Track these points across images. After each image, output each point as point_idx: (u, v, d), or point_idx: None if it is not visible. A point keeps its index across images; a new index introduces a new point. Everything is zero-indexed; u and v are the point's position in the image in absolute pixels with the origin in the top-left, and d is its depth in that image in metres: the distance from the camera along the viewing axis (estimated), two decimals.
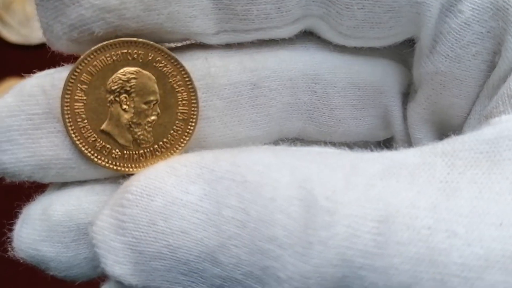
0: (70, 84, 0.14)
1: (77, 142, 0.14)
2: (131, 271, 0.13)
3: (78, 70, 0.14)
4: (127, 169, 0.15)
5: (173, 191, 0.12)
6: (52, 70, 0.15)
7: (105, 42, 0.14)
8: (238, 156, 0.13)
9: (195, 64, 0.15)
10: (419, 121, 0.17)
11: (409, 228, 0.11)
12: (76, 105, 0.14)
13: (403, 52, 0.17)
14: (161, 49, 0.14)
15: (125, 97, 0.14)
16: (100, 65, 0.14)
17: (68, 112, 0.14)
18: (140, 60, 0.14)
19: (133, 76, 0.14)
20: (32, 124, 0.15)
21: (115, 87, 0.14)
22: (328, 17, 0.15)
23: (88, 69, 0.14)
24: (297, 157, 0.13)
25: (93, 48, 0.14)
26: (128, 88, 0.14)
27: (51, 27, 0.14)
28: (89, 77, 0.14)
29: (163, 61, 0.14)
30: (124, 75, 0.14)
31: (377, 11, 0.15)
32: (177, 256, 0.12)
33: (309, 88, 0.16)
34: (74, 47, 0.15)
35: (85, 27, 0.14)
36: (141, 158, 0.15)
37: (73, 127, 0.14)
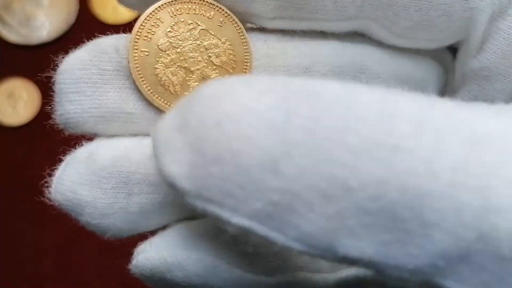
0: (137, 37, 0.15)
1: (147, 90, 0.15)
2: (187, 173, 0.11)
3: (143, 24, 0.15)
4: None
5: (243, 98, 0.11)
6: (125, 34, 0.16)
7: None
8: (313, 80, 0.12)
9: (256, 45, 0.16)
10: None
11: (504, 151, 0.11)
12: (141, 57, 0.15)
13: (442, 54, 0.18)
14: (228, 14, 0.16)
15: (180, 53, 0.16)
16: (164, 18, 0.16)
17: (137, 63, 0.15)
18: (203, 16, 0.16)
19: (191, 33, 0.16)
20: (101, 78, 0.15)
21: (177, 41, 0.16)
22: (383, 19, 0.16)
23: (152, 22, 0.15)
24: (374, 88, 0.12)
25: (158, 3, 0.15)
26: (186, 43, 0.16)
27: None
28: (154, 30, 0.15)
29: (228, 25, 0.16)
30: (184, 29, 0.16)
31: (432, 14, 0.15)
32: (237, 162, 0.11)
33: (354, 76, 0.17)
34: (140, 6, 0.16)
35: None
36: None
37: (142, 77, 0.15)
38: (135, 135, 0.16)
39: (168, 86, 0.16)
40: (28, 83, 0.52)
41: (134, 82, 0.15)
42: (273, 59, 0.16)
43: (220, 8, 0.16)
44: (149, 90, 0.15)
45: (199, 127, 0.11)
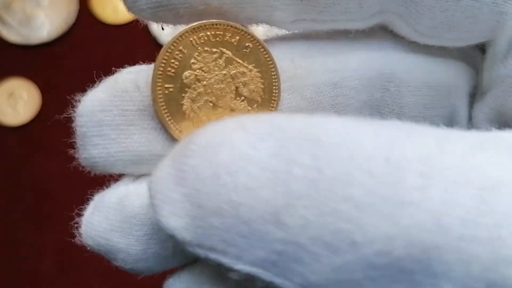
0: (159, 73, 0.14)
1: (175, 130, 0.14)
2: (187, 225, 0.11)
3: (165, 58, 0.14)
4: None
5: (241, 146, 0.11)
6: (144, 66, 0.15)
7: (191, 25, 0.14)
8: (313, 118, 0.11)
9: (282, 66, 0.15)
10: (485, 121, 0.17)
11: None
12: (166, 94, 0.14)
13: (472, 54, 0.17)
14: (254, 37, 0.15)
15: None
16: (187, 48, 0.14)
17: (162, 101, 0.14)
18: (233, 43, 0.15)
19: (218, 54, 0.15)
20: (125, 120, 0.14)
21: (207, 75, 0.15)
22: (407, 16, 0.15)
23: (175, 55, 0.14)
24: (380, 124, 0.11)
25: (180, 33, 0.14)
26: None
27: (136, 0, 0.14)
28: (177, 63, 0.14)
29: (254, 49, 0.15)
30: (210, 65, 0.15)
31: (458, 16, 0.15)
32: (238, 214, 0.11)
33: (383, 86, 0.16)
34: (152, 19, 0.15)
35: (171, 7, 0.14)
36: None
37: (168, 115, 0.14)
38: None
39: (197, 123, 0.15)
40: (28, 83, 0.52)
41: (160, 122, 0.14)
42: (301, 79, 0.16)
43: (245, 32, 0.15)
44: (177, 129, 0.14)
45: (196, 179, 0.11)
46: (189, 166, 0.11)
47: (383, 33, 0.17)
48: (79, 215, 0.16)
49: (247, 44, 0.15)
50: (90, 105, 0.15)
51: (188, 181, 0.11)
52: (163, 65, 0.14)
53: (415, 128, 0.11)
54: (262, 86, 0.15)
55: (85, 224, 0.15)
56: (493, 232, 0.10)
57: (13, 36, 0.52)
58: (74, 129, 0.15)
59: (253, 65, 0.15)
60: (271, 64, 0.15)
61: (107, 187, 0.16)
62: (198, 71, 0.14)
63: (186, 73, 0.14)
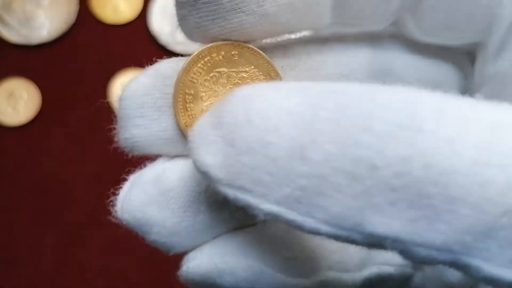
0: (188, 69, 0.16)
1: (182, 121, 0.16)
2: (220, 163, 0.13)
3: (195, 59, 0.16)
4: None
5: (273, 98, 0.12)
6: (183, 58, 0.17)
7: (183, 66, 0.16)
8: (341, 82, 0.13)
9: (301, 58, 0.17)
10: None
11: None
12: (187, 89, 0.16)
13: (462, 60, 0.19)
14: (268, 61, 0.16)
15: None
16: (191, 88, 0.16)
17: (181, 93, 0.16)
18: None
19: (246, 72, 0.16)
20: (166, 102, 0.16)
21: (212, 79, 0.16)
22: (414, 15, 0.17)
23: (204, 60, 0.16)
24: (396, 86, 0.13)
25: (212, 44, 0.16)
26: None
27: (205, 27, 0.15)
28: (203, 67, 0.16)
29: (241, 53, 0.16)
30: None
31: (457, 15, 0.16)
32: (267, 152, 0.12)
33: (382, 80, 0.18)
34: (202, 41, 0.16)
35: (244, 31, 0.15)
36: None
37: (181, 107, 0.16)
38: None
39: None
40: (28, 83, 0.52)
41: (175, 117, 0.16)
42: (317, 70, 0.17)
43: (226, 44, 0.16)
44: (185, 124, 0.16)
45: (232, 123, 0.13)
46: (226, 112, 0.13)
47: (385, 37, 0.18)
48: (114, 194, 0.17)
49: (232, 53, 0.16)
50: (134, 90, 0.16)
51: (224, 125, 0.13)
52: (189, 67, 0.16)
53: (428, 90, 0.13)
54: (264, 78, 0.16)
55: (121, 200, 0.16)
56: (505, 160, 0.11)
57: (13, 36, 0.52)
58: (116, 113, 0.16)
59: (247, 65, 0.16)
60: (262, 61, 0.16)
61: (112, 185, 0.17)
62: (209, 100, 0.16)
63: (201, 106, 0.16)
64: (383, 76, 0.18)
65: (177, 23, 0.16)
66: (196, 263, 0.16)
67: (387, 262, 0.20)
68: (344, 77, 0.18)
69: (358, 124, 0.11)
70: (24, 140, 0.52)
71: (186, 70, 0.16)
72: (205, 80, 0.16)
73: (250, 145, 0.12)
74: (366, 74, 0.18)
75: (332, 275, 0.18)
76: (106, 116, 0.48)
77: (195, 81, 0.16)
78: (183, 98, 0.16)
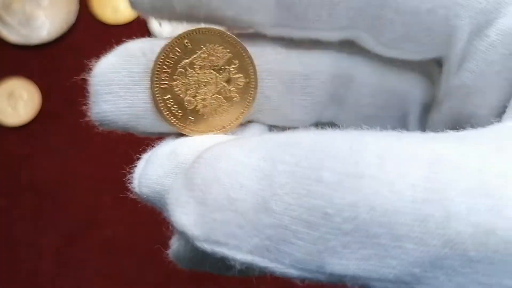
0: (163, 55, 0.17)
1: (157, 99, 0.17)
2: (194, 221, 0.14)
3: (169, 48, 0.17)
4: (187, 130, 0.18)
5: (237, 156, 0.14)
6: (152, 38, 0.18)
7: (200, 27, 0.17)
8: (296, 132, 0.14)
9: (266, 49, 0.18)
10: (442, 127, 0.19)
11: (459, 167, 0.12)
12: (163, 70, 0.17)
13: (430, 69, 0.19)
14: (220, 31, 0.17)
15: (193, 70, 0.17)
16: (187, 43, 0.17)
17: (157, 75, 0.17)
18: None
19: (204, 52, 0.17)
20: (132, 80, 0.17)
21: (188, 60, 0.17)
22: (372, 29, 0.17)
23: (178, 46, 0.17)
24: (343, 132, 0.14)
25: (187, 30, 0.17)
26: (199, 63, 0.17)
27: None
28: (177, 53, 0.17)
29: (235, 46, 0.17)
30: (200, 51, 0.17)
31: (416, 29, 0.17)
32: (235, 208, 0.13)
33: (345, 85, 0.19)
34: (153, 15, 0.17)
35: (168, 2, 0.16)
36: (201, 122, 0.18)
37: (156, 87, 0.17)
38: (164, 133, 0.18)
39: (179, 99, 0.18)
40: (28, 83, 0.52)
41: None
42: (280, 64, 0.18)
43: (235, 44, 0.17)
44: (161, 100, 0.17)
45: (202, 183, 0.14)
46: (196, 174, 0.14)
47: (351, 47, 0.19)
48: (130, 172, 0.18)
49: (184, 42, 0.17)
50: (103, 68, 0.17)
51: (195, 186, 0.14)
52: (165, 53, 0.17)
53: (374, 131, 0.14)
54: (223, 49, 0.17)
55: (139, 175, 0.17)
56: (441, 194, 0.12)
57: (13, 36, 0.52)
58: (88, 89, 0.17)
59: (202, 45, 0.17)
60: (215, 35, 0.17)
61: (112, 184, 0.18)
62: (187, 95, 0.17)
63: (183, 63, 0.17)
64: (347, 82, 0.19)
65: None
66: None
67: None
68: (304, 77, 0.18)
69: (311, 176, 0.13)
70: (24, 140, 0.52)
71: (155, 80, 0.17)
72: (174, 79, 0.17)
73: (220, 203, 0.13)
74: (327, 78, 0.19)
75: None
76: None
77: (167, 86, 0.17)
78: (164, 104, 0.17)
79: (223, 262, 0.16)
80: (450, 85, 0.18)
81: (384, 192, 0.12)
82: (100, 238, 0.50)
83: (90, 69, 0.17)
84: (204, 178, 0.14)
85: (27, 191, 0.51)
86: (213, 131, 0.18)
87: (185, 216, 0.14)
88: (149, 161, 0.17)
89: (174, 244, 0.18)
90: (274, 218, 0.13)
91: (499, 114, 0.17)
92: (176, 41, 0.17)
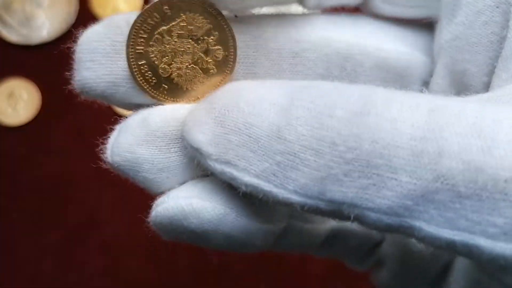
0: (148, 11, 0.17)
1: (132, 63, 0.17)
2: (210, 140, 0.15)
3: (147, 13, 0.17)
4: (160, 98, 0.18)
5: (258, 91, 0.15)
6: (136, 12, 0.18)
7: None
8: (314, 81, 0.15)
9: (250, 27, 0.18)
10: (439, 93, 0.19)
11: (457, 114, 0.13)
12: (140, 35, 0.17)
13: (428, 45, 0.20)
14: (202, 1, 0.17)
15: (170, 37, 0.17)
16: (164, 11, 0.17)
17: (133, 39, 0.17)
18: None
19: (183, 20, 0.17)
20: (113, 49, 0.17)
21: (166, 27, 0.17)
22: None
23: (157, 11, 0.17)
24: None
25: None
26: (177, 31, 0.17)
27: None
28: (155, 19, 0.17)
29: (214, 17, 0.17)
30: (178, 18, 0.17)
31: None
32: (250, 132, 0.14)
33: (340, 64, 0.19)
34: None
35: None
36: (175, 91, 0.18)
37: (132, 51, 0.17)
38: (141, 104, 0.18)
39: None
40: (28, 83, 0.52)
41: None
42: (267, 41, 0.18)
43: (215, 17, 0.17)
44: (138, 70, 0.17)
45: (222, 108, 0.15)
46: (218, 99, 0.15)
47: (349, 21, 0.20)
48: (103, 143, 0.18)
49: (164, 8, 0.17)
50: (89, 36, 0.17)
51: (216, 109, 0.15)
52: (142, 18, 0.17)
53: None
54: (203, 19, 0.17)
55: (111, 145, 0.17)
56: (437, 134, 0.13)
57: (13, 36, 0.52)
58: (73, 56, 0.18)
59: (182, 13, 0.17)
60: (196, 4, 0.17)
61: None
62: (162, 62, 0.17)
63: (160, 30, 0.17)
64: (342, 60, 0.19)
65: None
66: (164, 207, 0.17)
67: None
68: (294, 55, 0.19)
69: (324, 112, 0.14)
70: (24, 140, 0.52)
71: (130, 44, 0.17)
72: (150, 45, 0.17)
73: (237, 126, 0.15)
74: (320, 56, 0.19)
75: (295, 223, 0.20)
76: (106, 116, 0.48)
77: (142, 51, 0.17)
78: (139, 69, 0.17)
79: (202, 233, 0.17)
80: (443, 41, 0.18)
81: (387, 128, 0.13)
82: (100, 238, 0.50)
83: (76, 37, 0.17)
84: (225, 104, 0.15)
85: (27, 191, 0.51)
86: (187, 102, 0.18)
87: (202, 135, 0.15)
88: (121, 130, 0.17)
89: (156, 208, 0.18)
90: (286, 145, 0.14)
91: (489, 73, 0.18)
92: (155, 7, 0.17)
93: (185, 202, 0.17)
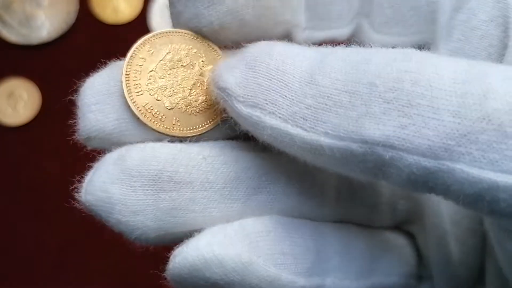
0: (132, 56, 0.17)
1: (131, 103, 0.17)
2: (240, 82, 0.15)
3: (132, 58, 0.17)
4: (176, 131, 0.17)
5: (292, 46, 0.15)
6: None
7: (155, 32, 0.17)
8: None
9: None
10: None
11: (497, 65, 0.13)
12: (134, 80, 0.17)
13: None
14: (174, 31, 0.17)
15: (165, 69, 0.17)
16: (157, 44, 0.17)
17: (128, 77, 0.17)
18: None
19: (168, 53, 0.17)
20: (118, 89, 0.17)
21: (162, 60, 0.17)
22: (368, 15, 0.19)
23: (140, 56, 0.17)
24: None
25: (144, 38, 0.17)
26: (172, 61, 0.17)
27: (202, 15, 0.16)
28: (148, 53, 0.17)
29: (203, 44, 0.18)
30: (172, 50, 0.17)
31: (402, 9, 0.18)
32: (282, 77, 0.15)
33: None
34: (221, 35, 0.17)
35: (238, 14, 0.16)
36: (186, 120, 0.17)
37: (130, 90, 0.17)
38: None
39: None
40: (28, 83, 0.52)
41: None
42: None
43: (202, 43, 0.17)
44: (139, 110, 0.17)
45: (254, 55, 0.15)
46: (251, 49, 0.16)
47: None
48: (80, 181, 0.17)
49: (147, 49, 0.17)
50: (91, 82, 0.17)
51: (248, 56, 0.15)
52: (135, 54, 0.17)
53: None
54: (186, 46, 0.18)
55: (85, 184, 0.16)
56: (480, 79, 0.13)
57: (13, 36, 0.52)
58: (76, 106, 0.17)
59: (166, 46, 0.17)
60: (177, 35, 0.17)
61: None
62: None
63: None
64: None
65: (175, 21, 0.17)
66: (183, 256, 0.15)
67: (391, 272, 0.20)
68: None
69: (361, 60, 0.14)
70: (24, 140, 0.52)
71: (128, 92, 0.17)
72: (147, 85, 0.17)
73: (268, 72, 0.15)
74: None
75: (331, 280, 0.18)
76: None
77: (142, 93, 0.17)
78: (145, 110, 0.17)
79: (225, 285, 0.15)
80: (443, 52, 0.19)
81: (428, 72, 0.13)
82: (100, 238, 0.50)
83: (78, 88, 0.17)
84: (259, 52, 0.15)
85: (27, 191, 0.51)
86: (202, 124, 0.17)
87: (232, 77, 0.15)
88: (97, 168, 0.16)
89: (174, 259, 0.16)
90: (318, 89, 0.14)
91: None
92: (139, 50, 0.17)
93: (206, 250, 0.15)
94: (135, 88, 0.17)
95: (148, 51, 0.17)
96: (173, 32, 0.17)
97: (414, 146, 0.13)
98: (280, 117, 0.14)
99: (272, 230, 0.17)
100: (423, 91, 0.13)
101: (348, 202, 0.19)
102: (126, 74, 0.17)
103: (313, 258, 0.17)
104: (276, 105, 0.14)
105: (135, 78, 0.17)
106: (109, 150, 0.17)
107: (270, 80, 0.15)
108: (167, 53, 0.17)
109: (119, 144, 0.17)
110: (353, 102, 0.13)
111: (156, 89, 0.17)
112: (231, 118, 0.16)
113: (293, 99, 0.14)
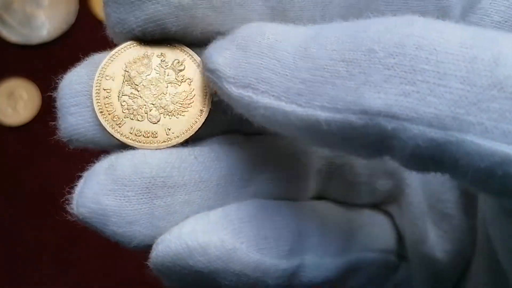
0: (97, 92, 0.16)
1: (120, 137, 0.16)
2: (230, 62, 0.14)
3: (99, 82, 0.17)
4: (173, 142, 0.17)
5: (283, 26, 0.14)
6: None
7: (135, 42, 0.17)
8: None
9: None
10: None
11: (506, 33, 0.12)
12: (107, 107, 0.16)
13: None
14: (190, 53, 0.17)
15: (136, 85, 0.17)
16: (129, 57, 0.17)
17: (103, 113, 0.16)
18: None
19: (129, 71, 0.17)
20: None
21: (134, 74, 0.17)
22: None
23: (105, 77, 0.17)
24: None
25: (127, 43, 0.17)
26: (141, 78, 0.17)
27: (124, 21, 0.15)
28: (109, 82, 0.17)
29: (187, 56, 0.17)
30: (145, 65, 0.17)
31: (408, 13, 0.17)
32: (274, 56, 0.14)
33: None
34: (142, 37, 0.16)
35: (160, 22, 0.15)
36: (175, 123, 0.17)
37: (112, 125, 0.16)
38: None
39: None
40: (28, 83, 0.52)
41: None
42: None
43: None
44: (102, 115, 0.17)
45: (246, 35, 0.14)
46: (243, 29, 0.15)
47: None
48: (70, 192, 0.16)
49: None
50: (69, 80, 0.16)
51: (239, 37, 0.15)
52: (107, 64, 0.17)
53: None
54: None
55: (76, 196, 0.16)
56: (489, 44, 0.11)
57: (13, 36, 0.52)
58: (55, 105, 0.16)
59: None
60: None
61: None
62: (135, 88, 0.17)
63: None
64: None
65: (107, 25, 0.16)
66: (166, 244, 0.15)
67: (369, 248, 0.20)
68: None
69: (359, 28, 0.13)
70: (24, 140, 0.52)
71: (107, 121, 0.16)
72: (123, 107, 0.17)
73: (260, 50, 0.14)
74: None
75: (310, 258, 0.18)
76: None
77: (121, 119, 0.16)
78: (133, 134, 0.17)
79: (209, 273, 0.15)
80: None
81: (433, 36, 0.12)
82: (100, 238, 0.50)
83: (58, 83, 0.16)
84: (250, 32, 0.14)
85: (27, 191, 0.51)
86: (195, 120, 0.17)
87: (222, 58, 0.14)
88: (87, 178, 0.16)
89: (156, 248, 0.16)
90: (313, 62, 0.13)
91: None
92: (98, 83, 0.16)
93: (189, 238, 0.15)
94: (115, 121, 0.16)
95: (107, 79, 0.16)
96: (120, 50, 0.16)
97: (419, 115, 0.11)
98: (273, 95, 0.13)
99: (254, 215, 0.16)
100: (428, 55, 0.11)
101: (328, 182, 0.19)
102: (100, 112, 0.16)
103: (294, 238, 0.17)
104: (268, 83, 0.13)
105: (110, 111, 0.16)
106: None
107: (262, 58, 0.14)
108: (125, 71, 0.17)
109: (104, 147, 0.16)
110: (351, 71, 0.12)
111: (133, 111, 0.16)
112: (223, 101, 0.16)
113: (286, 75, 0.13)
